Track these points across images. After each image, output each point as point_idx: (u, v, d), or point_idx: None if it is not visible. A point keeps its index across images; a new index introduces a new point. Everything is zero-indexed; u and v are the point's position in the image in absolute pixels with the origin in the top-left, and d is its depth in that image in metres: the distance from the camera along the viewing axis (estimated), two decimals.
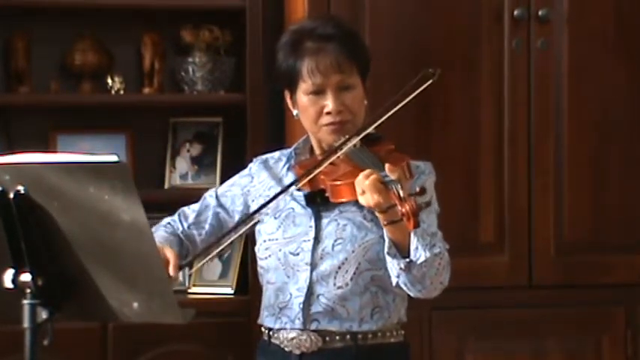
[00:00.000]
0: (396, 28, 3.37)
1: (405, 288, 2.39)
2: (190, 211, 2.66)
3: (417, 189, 2.24)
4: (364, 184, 2.25)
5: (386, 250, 2.34)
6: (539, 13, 3.41)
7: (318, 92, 2.47)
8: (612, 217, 3.49)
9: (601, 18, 3.47)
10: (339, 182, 2.37)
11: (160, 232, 2.61)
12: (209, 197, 2.66)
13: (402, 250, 2.33)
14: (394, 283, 2.40)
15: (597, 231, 3.48)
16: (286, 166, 2.60)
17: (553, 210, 3.45)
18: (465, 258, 3.21)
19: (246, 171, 2.66)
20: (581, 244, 3.48)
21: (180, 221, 2.65)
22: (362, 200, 2.28)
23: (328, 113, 2.47)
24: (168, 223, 2.65)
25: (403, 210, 2.15)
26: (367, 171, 2.27)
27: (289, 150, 2.64)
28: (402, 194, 2.18)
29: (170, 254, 2.39)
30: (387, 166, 2.26)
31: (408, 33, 3.38)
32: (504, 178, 3.42)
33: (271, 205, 2.48)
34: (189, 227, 2.64)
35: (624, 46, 3.49)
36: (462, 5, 3.40)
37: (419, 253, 2.31)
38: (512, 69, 3.42)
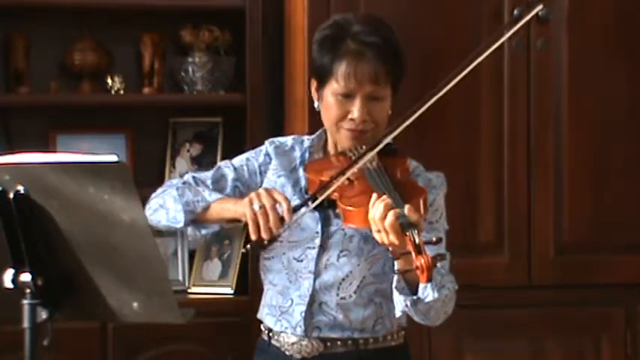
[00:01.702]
0: (394, 28, 3.36)
1: (408, 313, 2.37)
2: (204, 176, 2.57)
3: (434, 239, 2.18)
4: (382, 224, 2.18)
5: (394, 284, 2.30)
6: (539, 12, 3.40)
7: (347, 96, 2.41)
8: (612, 217, 3.49)
9: (601, 17, 3.47)
10: (352, 208, 2.30)
11: (207, 190, 2.52)
12: (225, 167, 2.57)
13: (411, 286, 2.30)
14: (398, 315, 2.37)
15: (597, 231, 3.48)
16: (299, 160, 2.54)
17: (552, 210, 3.45)
18: (464, 258, 3.21)
19: (262, 149, 2.58)
20: (580, 244, 3.48)
21: (197, 184, 2.56)
22: (376, 237, 2.22)
23: (352, 119, 2.42)
24: (184, 182, 2.55)
25: (417, 263, 2.09)
26: (389, 208, 2.19)
27: (303, 139, 2.58)
28: (417, 241, 2.11)
29: (281, 197, 2.33)
30: (406, 207, 2.18)
31: (407, 33, 3.37)
32: (504, 177, 3.42)
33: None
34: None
35: (624, 46, 3.49)
36: (462, 5, 3.40)
37: (427, 292, 2.27)
38: (512, 69, 3.42)
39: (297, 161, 2.54)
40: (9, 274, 2.01)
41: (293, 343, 2.46)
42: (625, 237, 3.51)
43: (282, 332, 2.48)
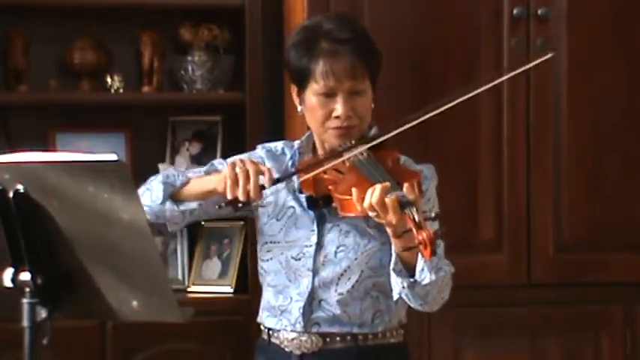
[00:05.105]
0: (394, 28, 3.36)
1: (405, 299, 2.38)
2: (197, 170, 2.62)
3: (433, 214, 2.21)
4: (381, 205, 2.19)
5: (392, 266, 2.31)
6: (539, 11, 3.41)
7: (328, 95, 2.43)
8: (611, 215, 3.49)
9: (600, 16, 3.47)
10: (348, 197, 2.30)
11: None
12: (219, 164, 2.61)
13: (408, 268, 2.31)
14: (395, 298, 2.39)
15: (596, 230, 3.48)
16: (290, 162, 2.56)
17: (552, 208, 3.45)
18: (464, 256, 3.20)
19: (257, 152, 2.61)
20: (579, 243, 3.48)
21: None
22: (375, 220, 2.23)
23: (337, 117, 2.43)
24: (173, 175, 2.59)
25: (420, 238, 2.10)
26: (386, 186, 2.21)
27: (293, 144, 2.60)
28: (417, 218, 2.13)
29: (265, 167, 2.37)
30: (405, 186, 2.20)
31: (406, 32, 3.38)
32: (503, 176, 3.42)
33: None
34: None
35: (623, 45, 3.49)
36: (461, 4, 3.40)
37: (424, 274, 2.29)
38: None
39: (289, 163, 2.56)
40: (8, 272, 2.01)
41: (292, 339, 2.47)
42: (624, 236, 3.50)
43: (281, 330, 2.49)
